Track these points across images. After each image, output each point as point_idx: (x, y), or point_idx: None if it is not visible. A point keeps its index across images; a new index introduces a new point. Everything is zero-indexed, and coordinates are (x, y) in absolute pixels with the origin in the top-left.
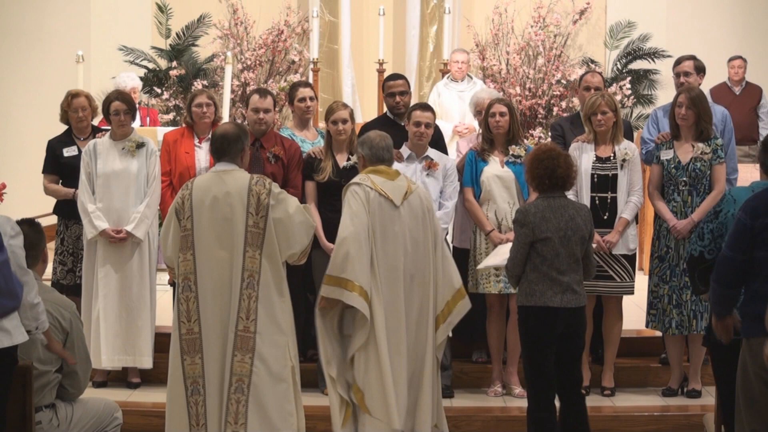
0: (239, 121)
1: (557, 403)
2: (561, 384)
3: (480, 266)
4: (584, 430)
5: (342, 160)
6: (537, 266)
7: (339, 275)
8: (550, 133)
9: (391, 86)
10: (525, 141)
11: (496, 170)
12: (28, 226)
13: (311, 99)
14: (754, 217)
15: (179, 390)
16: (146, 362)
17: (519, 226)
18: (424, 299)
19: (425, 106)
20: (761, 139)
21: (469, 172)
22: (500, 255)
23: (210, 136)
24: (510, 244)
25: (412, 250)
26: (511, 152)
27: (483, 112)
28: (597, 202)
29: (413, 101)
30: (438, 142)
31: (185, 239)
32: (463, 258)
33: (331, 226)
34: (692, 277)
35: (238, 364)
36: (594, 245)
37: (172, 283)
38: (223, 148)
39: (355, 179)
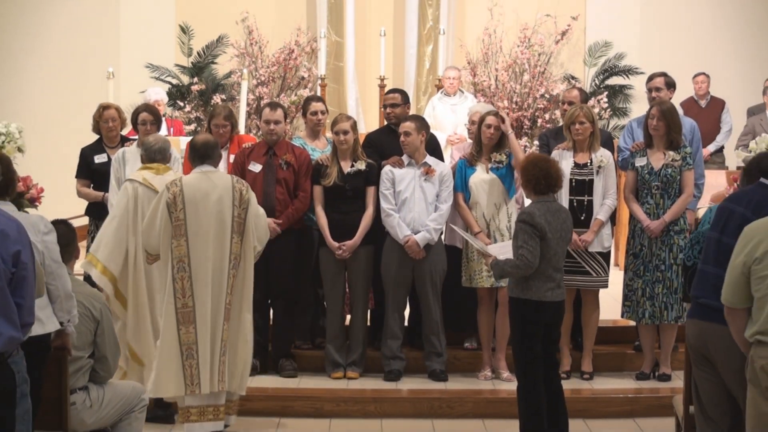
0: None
1: None
2: (546, 367)
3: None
4: (562, 405)
5: (346, 167)
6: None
7: (92, 252)
8: (536, 143)
9: (385, 99)
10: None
11: (482, 176)
12: (64, 225)
13: (322, 112)
14: (728, 201)
15: (174, 356)
16: None
17: (527, 225)
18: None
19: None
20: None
21: (459, 178)
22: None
23: (195, 144)
24: (498, 245)
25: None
26: (493, 158)
27: (476, 123)
28: (575, 204)
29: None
30: (435, 150)
31: (178, 228)
32: (456, 255)
33: (336, 227)
34: (684, 285)
35: (226, 332)
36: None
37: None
38: (207, 153)
39: (130, 176)
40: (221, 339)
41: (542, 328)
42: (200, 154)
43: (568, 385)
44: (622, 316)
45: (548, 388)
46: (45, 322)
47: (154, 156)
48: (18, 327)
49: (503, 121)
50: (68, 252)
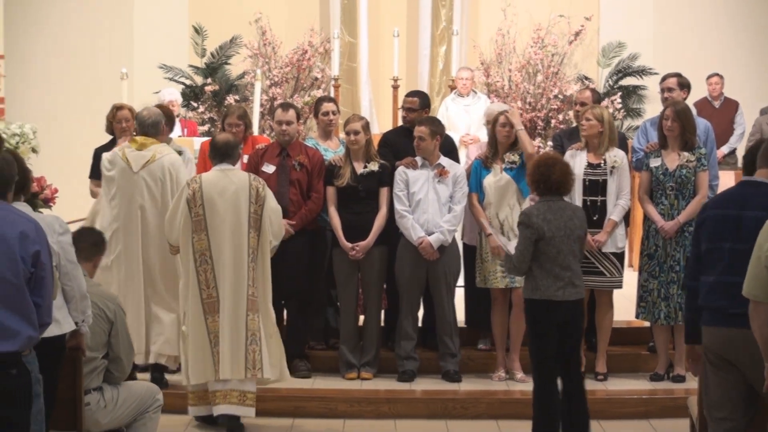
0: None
1: (560, 385)
2: (564, 367)
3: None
4: (584, 408)
5: (359, 167)
6: (542, 263)
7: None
8: (550, 143)
9: (404, 102)
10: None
11: (496, 176)
12: (97, 234)
13: (334, 113)
14: (701, 212)
15: (204, 344)
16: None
17: (524, 227)
18: (162, 243)
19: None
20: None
21: (474, 179)
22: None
23: (216, 143)
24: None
25: (150, 206)
26: (506, 159)
27: (492, 123)
28: (588, 204)
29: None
30: (451, 151)
31: (198, 223)
32: (472, 254)
33: (349, 227)
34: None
35: (251, 322)
36: None
37: None
38: (228, 152)
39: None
40: (247, 328)
41: (554, 327)
42: (220, 153)
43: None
44: (637, 317)
45: (567, 388)
46: (61, 322)
47: (147, 130)
48: (36, 327)
49: (512, 116)
50: (98, 252)
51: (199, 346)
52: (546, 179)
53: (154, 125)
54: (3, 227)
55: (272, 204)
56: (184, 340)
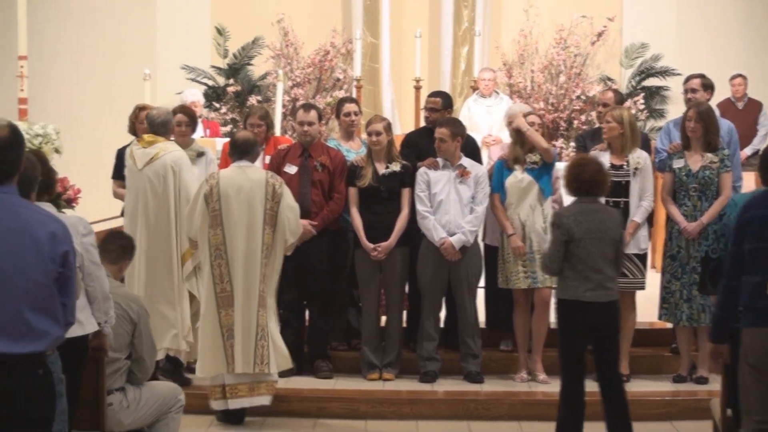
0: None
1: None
2: (600, 369)
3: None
4: (624, 412)
5: (381, 168)
6: (573, 264)
7: None
8: (573, 144)
9: (426, 102)
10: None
11: (518, 177)
12: (126, 239)
13: (355, 113)
14: (744, 212)
15: (216, 337)
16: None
17: (555, 227)
18: (165, 240)
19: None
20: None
21: (497, 179)
22: None
23: (236, 141)
24: None
25: (153, 204)
26: (528, 160)
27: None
28: (611, 205)
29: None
30: (473, 152)
31: (214, 218)
32: (492, 255)
33: (371, 228)
34: (701, 276)
35: (261, 318)
36: None
37: None
38: (247, 150)
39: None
40: (257, 323)
41: (584, 329)
42: (240, 150)
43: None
44: (660, 319)
45: (605, 392)
46: (84, 323)
47: (157, 129)
48: (62, 327)
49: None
50: (129, 258)
51: (211, 339)
52: (578, 179)
53: (164, 124)
54: (33, 228)
55: (289, 202)
56: (197, 333)
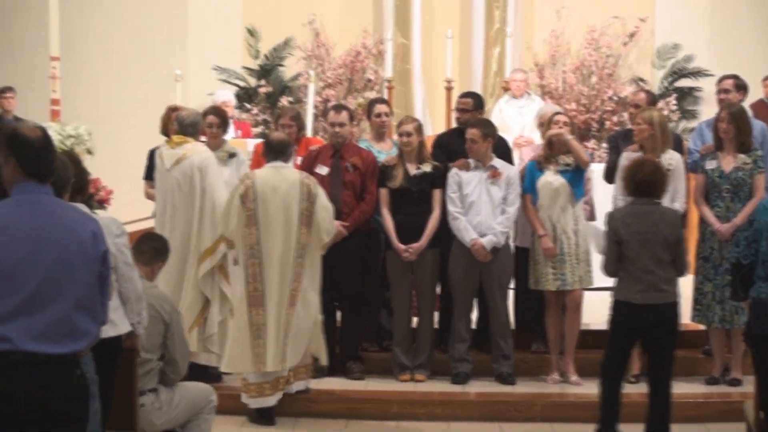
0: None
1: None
2: (650, 371)
3: None
4: (665, 416)
5: (412, 169)
6: (625, 266)
7: None
8: (605, 145)
9: (457, 103)
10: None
11: (550, 178)
12: (160, 241)
13: (386, 114)
14: None
15: (245, 335)
16: None
17: (607, 227)
18: (184, 240)
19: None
20: None
21: (528, 180)
22: None
23: (271, 141)
24: None
25: (179, 204)
26: (561, 161)
27: (545, 124)
28: None
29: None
30: (505, 153)
31: (249, 218)
32: (524, 256)
33: (402, 229)
34: (732, 283)
35: (290, 316)
36: None
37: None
38: (281, 150)
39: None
40: (288, 322)
41: (632, 330)
42: (274, 150)
43: (637, 389)
44: (693, 320)
45: (653, 391)
46: (118, 323)
47: (186, 129)
48: (99, 326)
49: (567, 124)
50: (163, 259)
51: (239, 337)
52: (633, 179)
53: (192, 125)
54: (75, 227)
55: (324, 202)
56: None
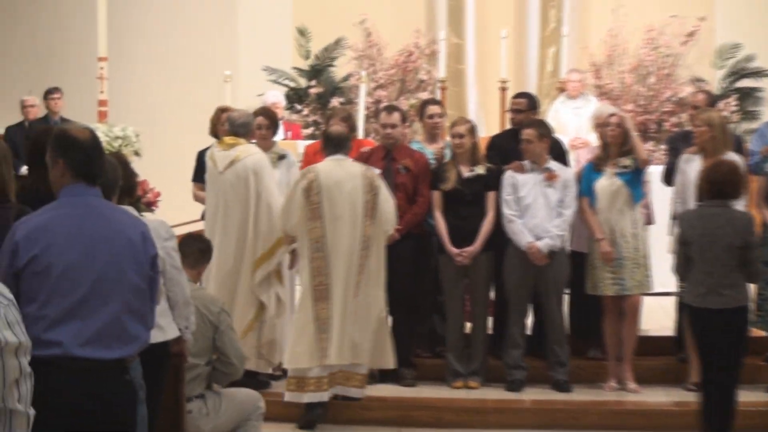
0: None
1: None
2: (711, 378)
3: None
4: (723, 420)
5: (465, 171)
6: (691, 268)
7: None
8: (663, 146)
9: (511, 103)
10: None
11: (607, 181)
12: (204, 242)
13: (439, 116)
14: None
15: (309, 329)
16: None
17: (677, 228)
18: (239, 244)
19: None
20: None
21: (585, 183)
22: None
23: (330, 134)
24: None
25: (233, 207)
26: (619, 163)
27: (601, 125)
28: None
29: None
30: (561, 155)
31: (314, 211)
32: (580, 261)
33: (455, 233)
34: None
35: (354, 308)
36: None
37: None
38: (341, 144)
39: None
40: (352, 313)
41: (701, 335)
42: (334, 144)
43: (695, 397)
44: (754, 326)
45: (712, 401)
46: (166, 329)
47: (237, 130)
48: (149, 330)
49: (625, 121)
50: (207, 259)
51: (303, 332)
52: (707, 180)
53: (244, 125)
54: (126, 230)
55: (386, 193)
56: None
